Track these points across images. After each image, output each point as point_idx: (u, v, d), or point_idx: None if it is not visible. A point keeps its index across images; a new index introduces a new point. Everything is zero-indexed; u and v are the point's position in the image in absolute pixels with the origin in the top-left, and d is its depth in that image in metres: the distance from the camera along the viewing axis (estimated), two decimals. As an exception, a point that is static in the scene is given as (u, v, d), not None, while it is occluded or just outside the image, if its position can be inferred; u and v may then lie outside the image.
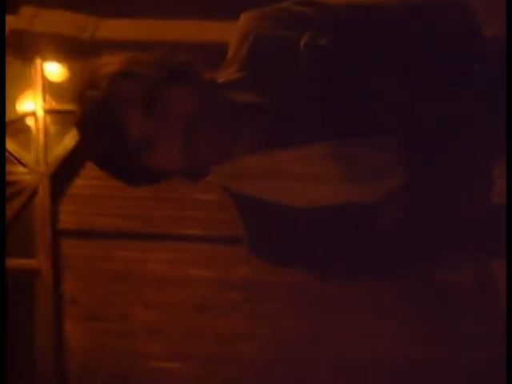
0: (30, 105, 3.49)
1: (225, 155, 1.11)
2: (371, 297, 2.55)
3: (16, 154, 3.20)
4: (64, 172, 3.13)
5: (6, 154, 3.19)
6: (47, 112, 3.44)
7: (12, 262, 2.76)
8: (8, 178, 3.10)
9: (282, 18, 1.15)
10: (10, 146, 3.24)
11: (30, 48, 3.77)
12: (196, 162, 1.09)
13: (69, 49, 3.77)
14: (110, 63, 1.11)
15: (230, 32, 1.70)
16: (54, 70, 3.73)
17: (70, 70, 3.73)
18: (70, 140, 3.22)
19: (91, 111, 1.08)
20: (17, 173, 3.13)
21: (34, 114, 3.42)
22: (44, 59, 3.74)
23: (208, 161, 1.11)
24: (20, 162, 3.17)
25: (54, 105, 3.50)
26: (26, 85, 3.64)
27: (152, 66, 1.10)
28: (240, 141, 1.12)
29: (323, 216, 1.12)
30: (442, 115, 1.09)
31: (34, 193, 3.03)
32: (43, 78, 3.64)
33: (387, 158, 1.09)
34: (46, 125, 3.36)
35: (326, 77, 1.06)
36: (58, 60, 3.77)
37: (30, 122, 3.41)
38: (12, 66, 3.75)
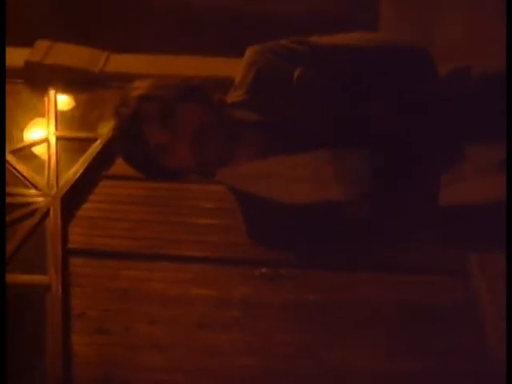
0: (43, 132, 3.63)
1: (228, 160, 1.31)
2: (359, 313, 2.70)
3: (29, 178, 3.32)
4: (74, 195, 3.24)
5: (20, 177, 3.35)
6: (59, 139, 3.57)
7: (25, 278, 2.90)
8: (21, 199, 3.25)
9: (281, 53, 1.36)
10: (24, 169, 3.36)
11: (43, 79, 3.95)
12: (204, 164, 1.32)
13: (80, 80, 3.95)
14: (139, 87, 1.32)
15: (229, 67, 1.90)
16: (66, 100, 3.91)
17: (81, 100, 3.91)
18: (80, 165, 3.35)
19: (122, 124, 1.32)
20: (30, 195, 3.24)
21: (46, 140, 3.56)
22: (57, 89, 3.91)
23: (214, 164, 1.32)
24: (33, 185, 3.28)
25: (66, 132, 3.64)
26: (39, 113, 3.80)
27: (170, 88, 1.31)
28: (242, 149, 1.32)
29: (306, 210, 1.33)
30: (403, 137, 1.30)
31: (46, 214, 3.14)
32: (56, 107, 3.80)
33: (364, 167, 1.30)
34: (57, 151, 3.48)
35: (314, 101, 1.28)
36: (70, 90, 3.96)
37: (42, 147, 3.53)
38: (26, 95, 3.93)
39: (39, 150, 3.56)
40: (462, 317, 2.69)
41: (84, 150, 3.47)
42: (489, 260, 2.56)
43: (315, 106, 1.30)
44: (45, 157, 3.48)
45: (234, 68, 1.71)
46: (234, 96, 1.37)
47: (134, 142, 1.31)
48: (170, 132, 1.28)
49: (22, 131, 3.69)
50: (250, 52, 1.41)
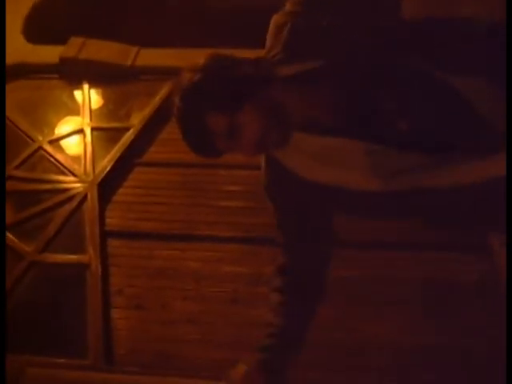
0: (79, 123, 3.78)
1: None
2: (388, 290, 2.76)
3: (67, 166, 3.45)
4: (110, 181, 3.37)
5: (59, 165, 3.49)
6: (94, 129, 3.71)
7: (66, 257, 3.03)
8: (60, 186, 3.38)
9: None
10: (62, 158, 3.50)
11: (77, 74, 4.09)
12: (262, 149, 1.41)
13: (112, 74, 4.08)
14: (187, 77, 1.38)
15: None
16: (99, 93, 4.05)
17: (113, 93, 4.04)
18: (114, 154, 3.48)
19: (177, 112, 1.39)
20: (68, 182, 3.37)
21: (82, 130, 3.70)
22: (90, 83, 4.05)
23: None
24: (71, 173, 3.42)
25: (100, 123, 3.78)
26: (74, 106, 3.94)
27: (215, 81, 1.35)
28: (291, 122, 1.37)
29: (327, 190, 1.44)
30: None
31: (84, 199, 3.26)
32: (89, 99, 3.93)
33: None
34: (93, 140, 3.61)
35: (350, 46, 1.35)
36: (103, 84, 4.09)
37: (79, 138, 3.68)
38: (62, 90, 4.08)
39: (75, 140, 3.69)
40: (487, 294, 2.73)
41: (118, 140, 3.59)
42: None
43: (352, 51, 1.36)
44: (81, 146, 3.61)
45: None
46: (272, 57, 1.40)
47: (190, 129, 1.38)
48: (234, 141, 1.36)
49: (58, 123, 3.84)
50: (277, 16, 1.46)
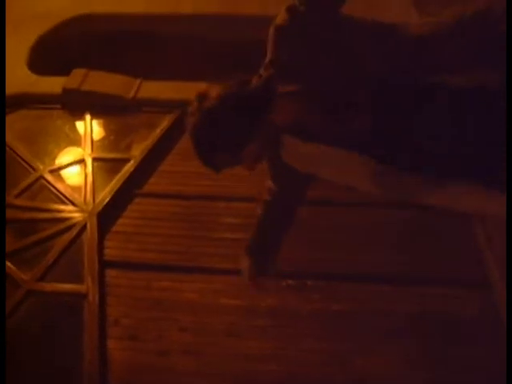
0: (80, 153, 3.80)
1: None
2: (380, 321, 2.79)
3: (67, 195, 3.47)
4: (109, 211, 3.38)
5: (59, 194, 3.50)
6: (95, 159, 3.73)
7: (63, 287, 3.02)
8: (60, 215, 3.39)
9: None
10: (62, 187, 3.52)
11: (80, 104, 4.13)
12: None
13: (114, 106, 4.12)
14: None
15: None
16: (101, 124, 4.08)
17: (115, 124, 4.06)
18: (114, 184, 3.50)
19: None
20: (68, 211, 3.38)
21: (83, 160, 3.72)
22: (92, 114, 4.08)
23: None
24: (71, 202, 3.43)
25: (101, 153, 3.80)
26: (76, 136, 3.97)
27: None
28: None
29: None
30: None
31: (83, 229, 3.27)
32: (91, 130, 3.95)
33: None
34: (93, 170, 3.64)
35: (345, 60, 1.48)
36: (105, 115, 4.12)
37: (80, 167, 3.70)
38: (64, 120, 4.12)
39: (76, 170, 3.71)
40: (485, 329, 2.74)
41: (118, 170, 3.62)
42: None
43: (346, 65, 1.46)
44: (82, 176, 3.63)
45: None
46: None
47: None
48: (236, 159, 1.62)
49: (59, 153, 3.86)
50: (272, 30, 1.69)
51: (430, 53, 1.49)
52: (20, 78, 4.19)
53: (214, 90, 1.60)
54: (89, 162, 3.71)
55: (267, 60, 1.69)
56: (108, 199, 3.44)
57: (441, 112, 1.41)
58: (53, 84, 4.20)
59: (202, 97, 1.60)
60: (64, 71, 4.25)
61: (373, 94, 1.45)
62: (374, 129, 1.44)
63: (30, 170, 3.69)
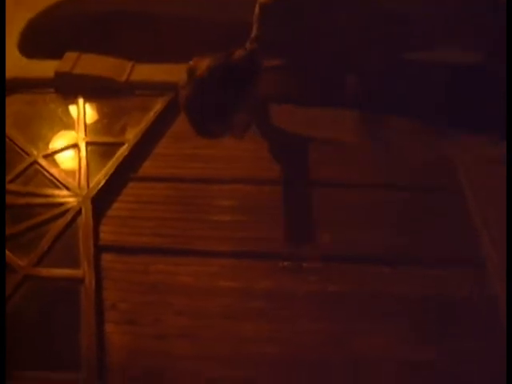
0: (73, 138, 3.78)
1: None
2: (377, 303, 2.79)
3: (61, 180, 3.45)
4: (104, 196, 3.37)
5: (53, 179, 3.49)
6: (88, 144, 3.70)
7: (59, 272, 3.02)
8: (55, 200, 3.38)
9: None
10: (56, 172, 3.50)
11: (72, 88, 4.11)
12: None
13: (107, 89, 4.09)
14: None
15: None
16: (94, 108, 4.06)
17: (108, 107, 4.03)
18: (109, 168, 3.49)
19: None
20: (62, 196, 3.37)
21: (76, 145, 3.70)
22: (85, 98, 4.04)
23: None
24: (65, 187, 3.42)
25: (94, 138, 3.77)
26: (69, 120, 3.95)
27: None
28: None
29: None
30: None
31: (78, 213, 3.26)
32: (84, 114, 3.93)
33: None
34: (87, 155, 3.62)
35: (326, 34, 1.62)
36: (98, 99, 4.08)
37: (73, 152, 3.67)
38: (57, 104, 4.09)
39: (70, 155, 3.69)
40: (482, 310, 2.74)
41: (112, 154, 3.60)
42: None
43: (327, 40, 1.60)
44: (75, 161, 3.61)
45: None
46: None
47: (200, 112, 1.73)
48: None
49: (53, 138, 3.84)
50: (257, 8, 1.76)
51: (402, 28, 1.54)
52: (11, 63, 4.14)
53: (204, 63, 1.71)
54: (82, 146, 3.69)
55: (252, 35, 1.74)
56: (102, 183, 3.43)
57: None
58: (45, 68, 4.16)
59: (193, 69, 1.72)
60: (55, 54, 4.21)
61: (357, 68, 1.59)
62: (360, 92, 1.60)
63: (24, 155, 3.67)
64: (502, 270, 2.75)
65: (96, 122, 3.92)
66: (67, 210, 3.30)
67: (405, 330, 2.69)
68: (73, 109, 4.00)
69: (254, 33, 1.79)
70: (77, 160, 3.61)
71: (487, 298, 2.78)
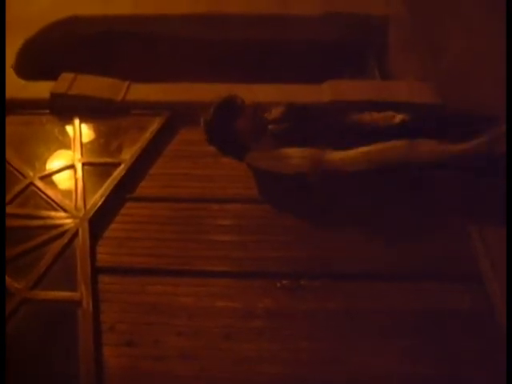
0: (70, 159, 3.76)
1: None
2: (375, 319, 2.78)
3: (58, 202, 3.43)
4: (101, 217, 3.35)
5: (50, 201, 3.46)
6: (85, 164, 3.69)
7: (57, 294, 3.00)
8: (51, 221, 3.36)
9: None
10: (53, 194, 3.48)
11: (68, 109, 4.09)
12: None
13: (103, 109, 4.07)
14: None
15: (241, 93, 2.27)
16: (90, 128, 4.04)
17: (104, 128, 4.01)
18: (105, 189, 3.47)
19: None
20: (59, 217, 3.35)
21: (73, 166, 3.68)
22: (81, 119, 4.03)
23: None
24: (62, 208, 3.39)
25: (91, 158, 3.76)
26: (65, 141, 3.93)
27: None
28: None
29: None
30: None
31: (75, 235, 3.24)
32: (80, 135, 3.92)
33: None
34: (83, 176, 3.60)
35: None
36: (94, 119, 4.06)
37: (69, 173, 3.65)
38: (53, 125, 4.08)
39: (66, 176, 3.67)
40: (481, 322, 2.74)
41: (109, 175, 3.59)
42: (503, 266, 2.62)
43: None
44: (72, 182, 3.59)
45: (245, 93, 2.08)
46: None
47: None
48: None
49: (49, 158, 3.83)
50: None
51: None
52: (7, 84, 4.14)
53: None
54: (79, 167, 3.68)
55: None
56: (99, 204, 3.41)
57: None
58: (40, 89, 4.16)
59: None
60: (51, 75, 4.21)
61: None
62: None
63: (20, 176, 3.65)
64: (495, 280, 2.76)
65: (92, 142, 3.91)
66: (64, 232, 3.28)
67: (404, 345, 2.67)
68: (69, 129, 3.99)
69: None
70: (73, 181, 3.60)
71: (487, 309, 2.76)
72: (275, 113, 2.35)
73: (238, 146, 2.29)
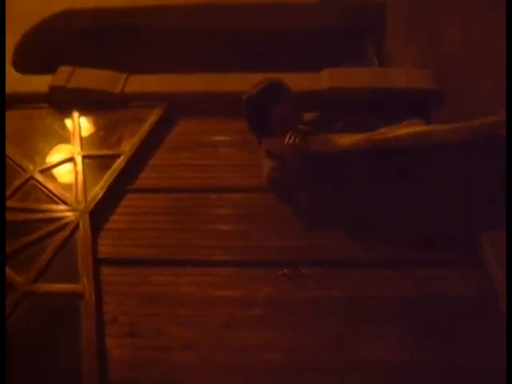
0: (69, 152, 3.78)
1: None
2: (378, 306, 2.78)
3: (59, 195, 3.44)
4: (102, 209, 3.35)
5: (50, 194, 3.48)
6: (84, 157, 3.71)
7: (58, 287, 3.00)
8: (52, 215, 3.36)
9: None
10: (53, 187, 3.49)
11: (67, 102, 4.11)
12: None
13: (102, 102, 4.09)
14: None
15: (239, 83, 2.20)
16: (89, 121, 4.05)
17: (103, 120, 4.03)
18: (105, 181, 3.48)
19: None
20: (60, 210, 3.36)
21: (73, 159, 3.70)
22: (80, 112, 4.05)
23: None
24: (62, 201, 3.40)
25: (90, 151, 3.77)
26: (64, 134, 3.95)
27: None
28: None
29: None
30: None
31: (76, 227, 3.24)
32: (79, 128, 3.93)
33: None
34: (83, 168, 3.61)
35: None
36: (92, 112, 4.08)
37: (69, 166, 3.67)
38: (51, 119, 4.09)
39: (66, 169, 3.68)
40: (483, 308, 2.73)
41: (109, 167, 3.59)
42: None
43: None
44: (72, 175, 3.60)
45: (243, 82, 2.00)
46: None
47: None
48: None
49: (48, 152, 3.84)
50: None
51: None
52: (6, 78, 4.15)
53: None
54: (79, 160, 3.68)
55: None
56: (100, 196, 3.41)
57: None
58: (39, 82, 4.16)
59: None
60: (49, 69, 4.21)
61: None
62: None
63: (20, 170, 3.66)
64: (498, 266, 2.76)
65: (92, 135, 3.92)
66: (65, 225, 3.28)
67: (406, 332, 2.67)
68: (68, 122, 3.99)
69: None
70: (73, 174, 3.60)
71: (488, 298, 2.76)
72: (308, 116, 2.62)
73: (266, 128, 2.52)
